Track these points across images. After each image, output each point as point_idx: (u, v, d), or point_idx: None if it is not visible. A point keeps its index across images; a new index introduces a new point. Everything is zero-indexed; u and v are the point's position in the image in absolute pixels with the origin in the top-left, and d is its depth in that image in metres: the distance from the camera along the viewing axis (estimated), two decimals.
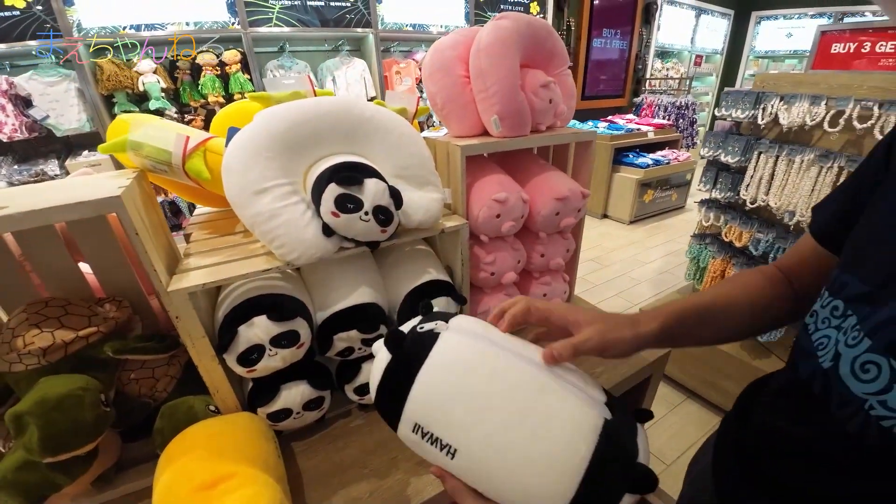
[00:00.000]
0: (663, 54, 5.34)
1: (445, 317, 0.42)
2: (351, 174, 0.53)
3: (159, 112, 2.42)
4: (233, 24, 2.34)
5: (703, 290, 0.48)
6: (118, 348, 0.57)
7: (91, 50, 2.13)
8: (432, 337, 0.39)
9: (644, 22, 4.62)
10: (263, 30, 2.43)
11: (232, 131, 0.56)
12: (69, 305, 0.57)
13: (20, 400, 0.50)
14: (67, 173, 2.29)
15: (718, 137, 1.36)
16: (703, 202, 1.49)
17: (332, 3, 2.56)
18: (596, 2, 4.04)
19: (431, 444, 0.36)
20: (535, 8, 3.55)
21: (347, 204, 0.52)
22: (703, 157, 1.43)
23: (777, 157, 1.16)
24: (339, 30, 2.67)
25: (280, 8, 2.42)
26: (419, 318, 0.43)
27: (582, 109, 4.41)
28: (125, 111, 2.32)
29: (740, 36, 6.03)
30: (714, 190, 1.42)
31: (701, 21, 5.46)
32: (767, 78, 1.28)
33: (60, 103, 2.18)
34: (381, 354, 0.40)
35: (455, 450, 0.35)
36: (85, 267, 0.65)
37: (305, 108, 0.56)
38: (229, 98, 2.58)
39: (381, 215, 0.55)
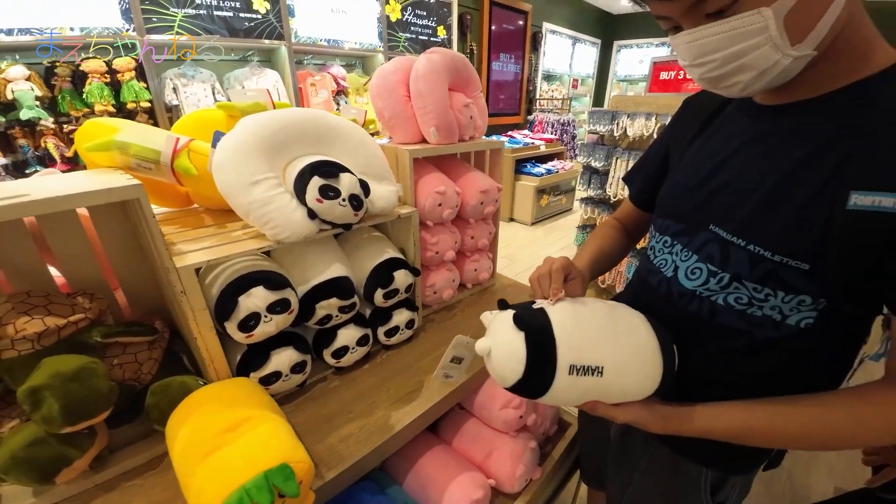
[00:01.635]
0: (549, 77, 6.16)
1: (523, 304, 0.55)
2: (330, 169, 0.67)
3: (31, 122, 2.14)
4: (127, 30, 2.19)
5: (589, 242, 0.74)
6: (106, 332, 0.62)
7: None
8: (538, 310, 0.52)
9: (532, 48, 5.31)
10: (164, 38, 2.31)
11: (218, 135, 0.66)
12: (50, 296, 0.60)
13: (15, 383, 0.53)
14: None
15: (589, 148, 1.74)
16: (582, 200, 1.88)
17: (242, 14, 2.54)
18: (493, 28, 4.55)
19: (584, 374, 0.48)
20: (441, 32, 3.88)
21: (329, 192, 0.66)
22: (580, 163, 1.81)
23: (628, 160, 1.56)
24: (247, 41, 2.64)
25: (183, 16, 2.33)
26: (508, 311, 0.53)
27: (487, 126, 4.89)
28: None
29: (606, 62, 7.23)
30: (589, 189, 1.81)
31: (576, 49, 6.42)
32: (619, 100, 1.70)
33: None
34: (507, 340, 0.49)
35: (602, 367, 0.49)
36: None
37: (285, 116, 0.68)
38: (120, 107, 2.38)
39: (355, 202, 0.69)
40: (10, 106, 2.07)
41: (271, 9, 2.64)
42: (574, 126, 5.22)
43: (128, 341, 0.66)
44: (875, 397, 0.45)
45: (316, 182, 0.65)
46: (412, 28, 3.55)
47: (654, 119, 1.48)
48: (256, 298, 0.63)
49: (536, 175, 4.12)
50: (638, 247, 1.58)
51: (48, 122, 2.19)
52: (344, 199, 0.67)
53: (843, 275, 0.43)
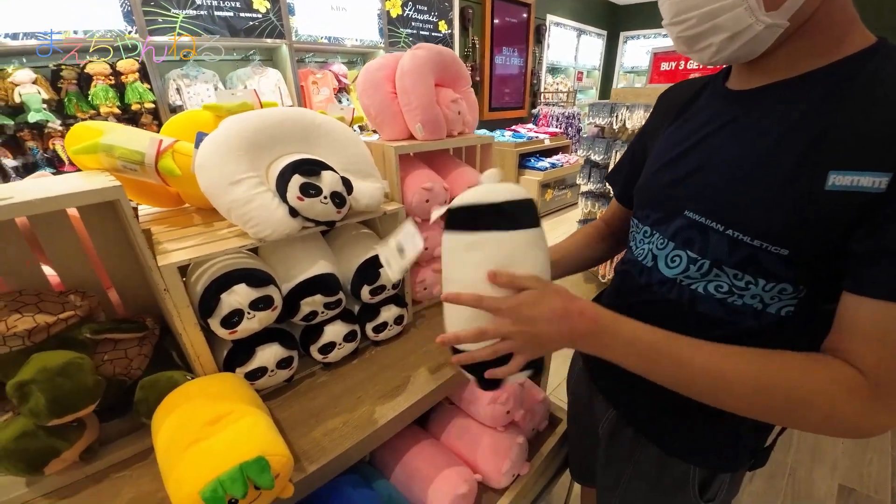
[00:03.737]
0: (553, 70, 6.09)
1: None
2: (311, 167, 0.67)
3: (40, 125, 2.19)
4: (129, 32, 2.22)
5: (560, 243, 0.77)
6: (96, 329, 0.64)
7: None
8: None
9: (536, 41, 5.25)
10: (165, 39, 2.34)
11: (201, 135, 0.67)
12: (41, 294, 0.62)
13: (6, 378, 0.55)
14: None
15: (589, 141, 1.72)
16: (582, 193, 1.86)
17: (242, 14, 2.55)
18: (496, 22, 4.50)
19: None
20: (443, 26, 3.86)
21: (310, 190, 0.66)
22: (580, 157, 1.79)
23: None
24: (249, 40, 2.66)
25: (184, 17, 2.36)
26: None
27: (490, 120, 4.86)
28: None
29: (612, 53, 7.10)
30: (589, 182, 1.79)
31: (581, 41, 6.32)
32: (618, 92, 1.67)
33: None
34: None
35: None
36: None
37: (268, 115, 0.69)
38: (125, 108, 2.42)
39: (337, 199, 0.70)
40: (19, 109, 2.13)
41: (271, 8, 2.66)
42: (579, 119, 5.15)
43: (118, 338, 0.67)
44: (827, 360, 0.42)
45: (297, 180, 0.66)
46: (413, 23, 3.54)
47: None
48: (238, 295, 0.64)
49: (540, 169, 4.09)
50: None
51: (55, 124, 2.24)
52: (325, 197, 0.68)
53: (820, 258, 0.42)
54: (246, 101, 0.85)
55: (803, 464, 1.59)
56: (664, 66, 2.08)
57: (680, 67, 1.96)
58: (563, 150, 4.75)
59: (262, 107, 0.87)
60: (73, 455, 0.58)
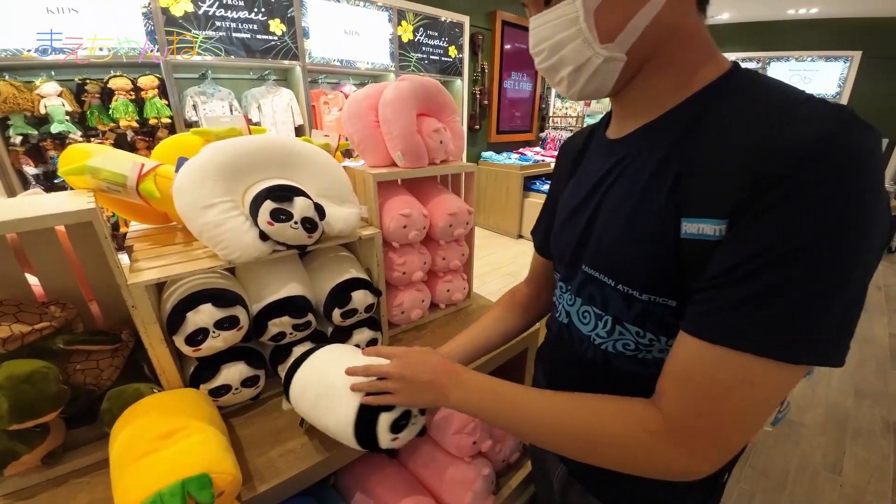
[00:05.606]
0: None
1: None
2: (283, 193, 0.70)
3: (62, 136, 2.31)
4: (151, 51, 2.35)
5: (471, 328, 0.76)
6: (69, 339, 0.66)
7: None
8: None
9: None
10: (185, 57, 2.46)
11: (182, 160, 0.71)
12: (21, 304, 0.65)
13: None
14: None
15: None
16: None
17: (259, 36, 2.68)
18: (506, 47, 4.61)
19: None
20: (453, 51, 3.97)
21: (280, 215, 0.69)
22: None
23: None
24: (264, 60, 2.78)
25: (203, 38, 2.48)
26: None
27: (498, 143, 4.92)
28: (21, 134, 2.18)
29: None
30: None
31: None
32: None
33: None
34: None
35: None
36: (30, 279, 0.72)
37: (245, 143, 0.73)
38: (143, 122, 2.54)
39: (308, 224, 0.72)
40: (44, 120, 2.25)
41: (287, 31, 2.78)
42: None
43: (90, 349, 0.70)
44: (635, 403, 0.42)
45: (268, 206, 0.68)
46: (423, 48, 3.66)
47: None
48: (204, 314, 0.66)
49: (546, 193, 4.10)
50: None
51: (77, 135, 2.36)
52: (296, 222, 0.70)
53: None
54: (234, 127, 0.89)
55: None
56: None
57: None
58: None
59: (250, 132, 0.92)
60: (34, 459, 0.60)
